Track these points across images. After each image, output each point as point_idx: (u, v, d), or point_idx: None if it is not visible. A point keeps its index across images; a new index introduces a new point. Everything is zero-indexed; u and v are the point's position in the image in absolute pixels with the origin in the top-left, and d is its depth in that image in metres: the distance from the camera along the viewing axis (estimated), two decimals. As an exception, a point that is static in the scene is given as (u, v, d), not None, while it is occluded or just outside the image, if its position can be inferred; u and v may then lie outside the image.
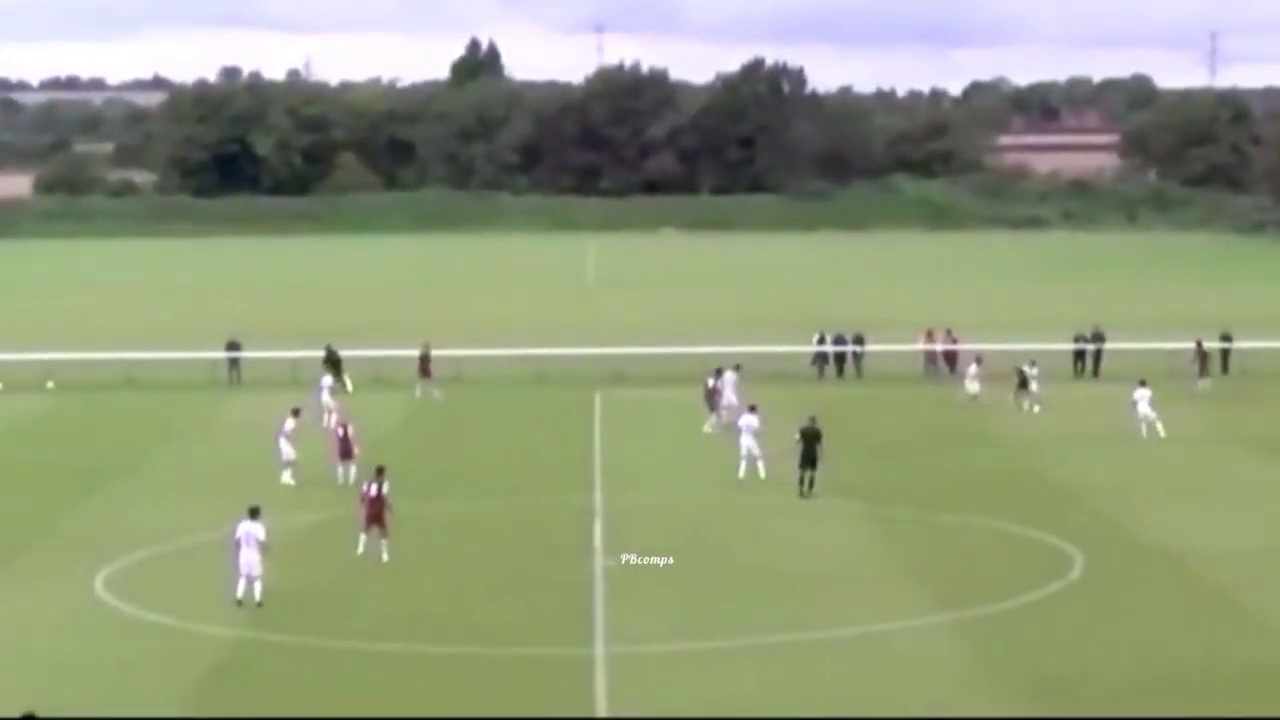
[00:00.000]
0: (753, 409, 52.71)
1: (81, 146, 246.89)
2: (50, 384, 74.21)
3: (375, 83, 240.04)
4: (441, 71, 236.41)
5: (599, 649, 35.26)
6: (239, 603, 37.57)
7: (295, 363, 74.27)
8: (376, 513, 41.85)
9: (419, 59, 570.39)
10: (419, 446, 58.92)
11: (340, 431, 52.10)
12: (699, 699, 32.06)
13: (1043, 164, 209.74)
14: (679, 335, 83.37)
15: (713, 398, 61.33)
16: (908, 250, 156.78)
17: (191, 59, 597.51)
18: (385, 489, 42.12)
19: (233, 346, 77.58)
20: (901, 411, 64.93)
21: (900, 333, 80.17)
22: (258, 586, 37.76)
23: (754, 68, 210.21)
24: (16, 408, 69.15)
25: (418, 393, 69.74)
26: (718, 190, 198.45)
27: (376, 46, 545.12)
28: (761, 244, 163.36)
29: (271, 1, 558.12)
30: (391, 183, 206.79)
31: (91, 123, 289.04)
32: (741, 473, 51.26)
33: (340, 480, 50.29)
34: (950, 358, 75.77)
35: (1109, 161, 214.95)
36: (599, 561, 42.46)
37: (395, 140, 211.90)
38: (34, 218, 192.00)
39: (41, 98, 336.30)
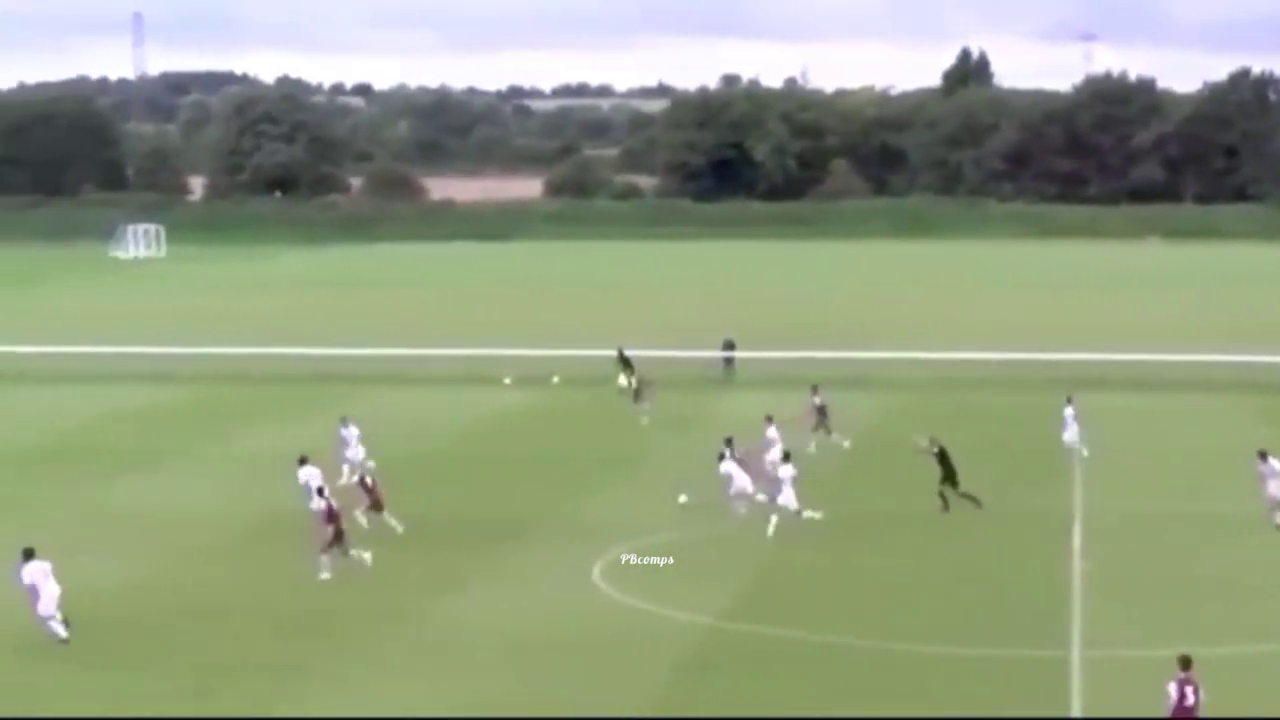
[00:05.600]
0: (787, 457, 48.82)
1: (589, 151, 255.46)
2: (555, 379, 76.69)
3: (868, 91, 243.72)
4: (933, 80, 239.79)
5: (1075, 652, 35.49)
6: (65, 641, 36.74)
7: (788, 363, 77.02)
8: None
9: (911, 68, 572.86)
10: (898, 444, 59.31)
11: (365, 482, 47.65)
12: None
13: None
14: (1159, 343, 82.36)
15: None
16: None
17: (694, 67, 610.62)
18: None
19: (728, 346, 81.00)
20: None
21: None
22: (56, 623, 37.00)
23: (1240, 76, 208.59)
24: (525, 401, 72.19)
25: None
26: (1201, 199, 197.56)
27: (870, 55, 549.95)
28: (1245, 253, 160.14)
29: (771, 12, 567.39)
30: (880, 188, 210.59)
31: (599, 128, 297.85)
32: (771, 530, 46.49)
33: (366, 526, 46.06)
34: None
35: None
36: (1076, 565, 42.80)
37: (886, 147, 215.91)
38: (542, 219, 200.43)
39: (553, 104, 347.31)
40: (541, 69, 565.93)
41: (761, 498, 47.97)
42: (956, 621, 38.26)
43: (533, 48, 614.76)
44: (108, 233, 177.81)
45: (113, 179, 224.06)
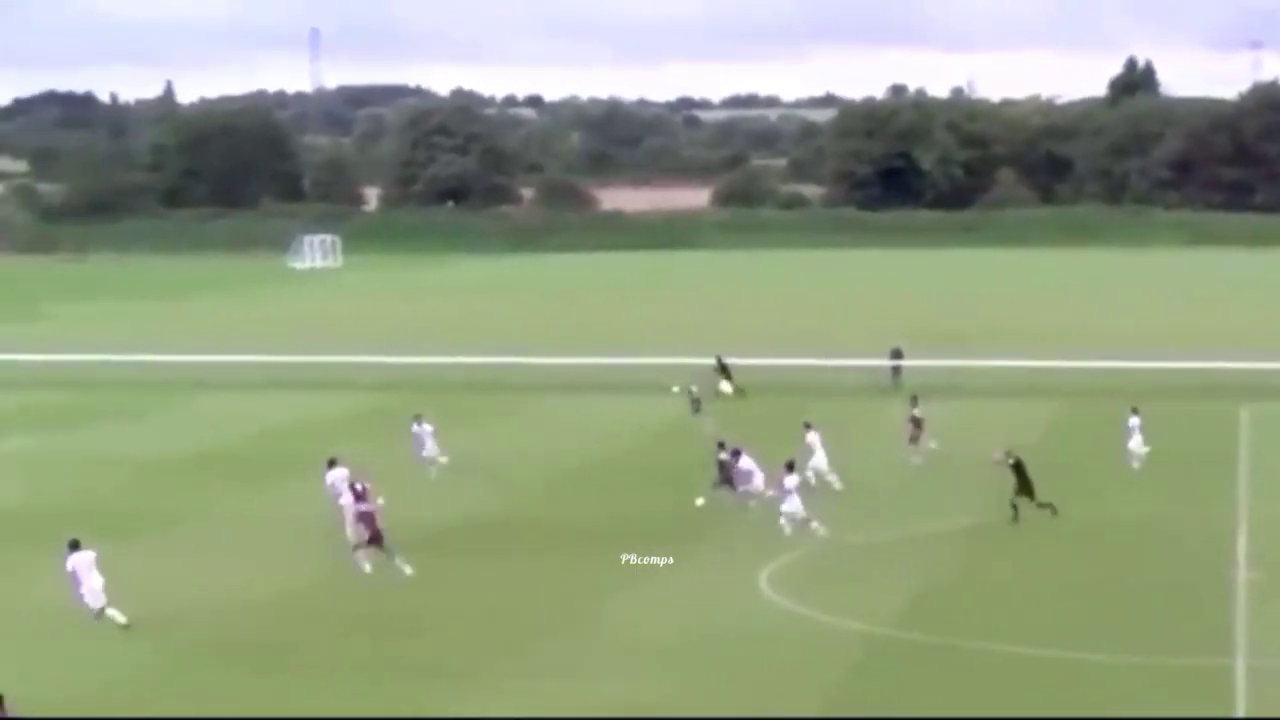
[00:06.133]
0: (790, 466, 48.38)
1: (757, 161, 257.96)
2: (726, 386, 76.45)
3: (1035, 100, 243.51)
4: (1098, 89, 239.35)
5: (1240, 661, 35.39)
6: (127, 626, 38.51)
7: (955, 371, 77.98)
8: None
9: (1077, 77, 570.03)
10: (1070, 452, 60.32)
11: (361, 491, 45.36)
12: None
13: None
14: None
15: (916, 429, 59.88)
16: None
17: (861, 77, 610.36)
18: None
19: (896, 354, 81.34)
20: None
21: None
22: (111, 610, 38.63)
23: None
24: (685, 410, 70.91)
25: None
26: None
27: (1037, 65, 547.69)
28: None
29: (938, 22, 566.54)
30: (1046, 197, 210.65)
31: (767, 138, 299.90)
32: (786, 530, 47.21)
33: (367, 569, 44.17)
34: None
35: None
36: (1241, 574, 42.58)
37: (1052, 156, 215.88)
38: (711, 228, 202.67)
39: (722, 115, 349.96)
40: (710, 80, 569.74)
41: (775, 494, 48.52)
42: (1120, 629, 38.30)
43: (702, 59, 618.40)
44: (285, 243, 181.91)
45: (290, 191, 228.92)
